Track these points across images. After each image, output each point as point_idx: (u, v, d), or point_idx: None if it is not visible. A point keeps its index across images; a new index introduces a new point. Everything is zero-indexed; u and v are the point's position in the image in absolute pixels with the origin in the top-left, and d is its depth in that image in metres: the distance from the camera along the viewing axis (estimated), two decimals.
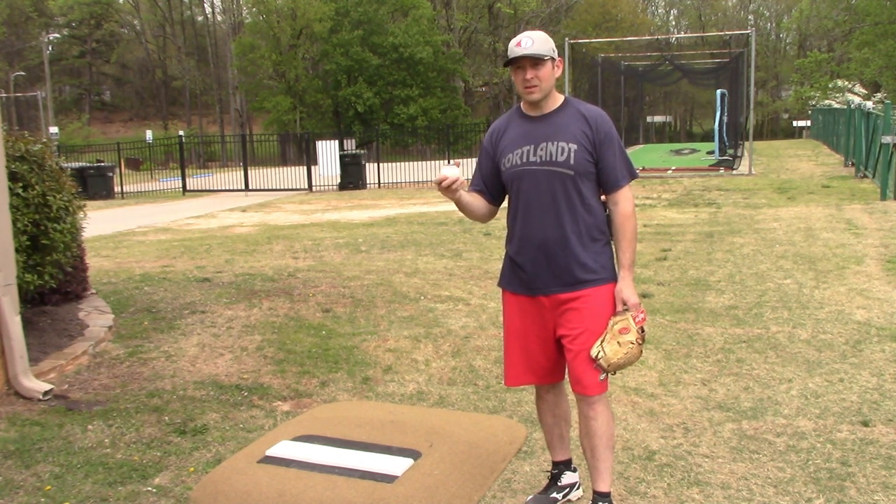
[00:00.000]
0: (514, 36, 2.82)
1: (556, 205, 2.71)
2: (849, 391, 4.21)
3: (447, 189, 2.63)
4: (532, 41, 2.67)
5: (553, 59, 2.71)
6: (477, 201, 2.85)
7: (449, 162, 2.75)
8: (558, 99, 2.79)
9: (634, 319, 2.71)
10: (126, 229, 12.59)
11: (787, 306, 5.96)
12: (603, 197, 2.81)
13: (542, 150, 2.72)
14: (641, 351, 2.72)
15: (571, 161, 2.69)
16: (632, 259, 2.77)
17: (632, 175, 2.78)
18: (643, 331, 2.73)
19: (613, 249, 2.83)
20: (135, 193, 21.80)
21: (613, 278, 2.79)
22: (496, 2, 50.04)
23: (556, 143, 2.70)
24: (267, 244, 10.09)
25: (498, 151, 2.82)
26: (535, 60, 2.66)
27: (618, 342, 2.67)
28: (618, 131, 2.81)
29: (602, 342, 2.68)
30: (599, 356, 2.67)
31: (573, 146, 2.69)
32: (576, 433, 3.03)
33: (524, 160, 2.74)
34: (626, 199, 2.76)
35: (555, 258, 2.73)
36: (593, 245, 2.75)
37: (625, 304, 2.74)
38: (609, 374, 2.74)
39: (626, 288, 2.75)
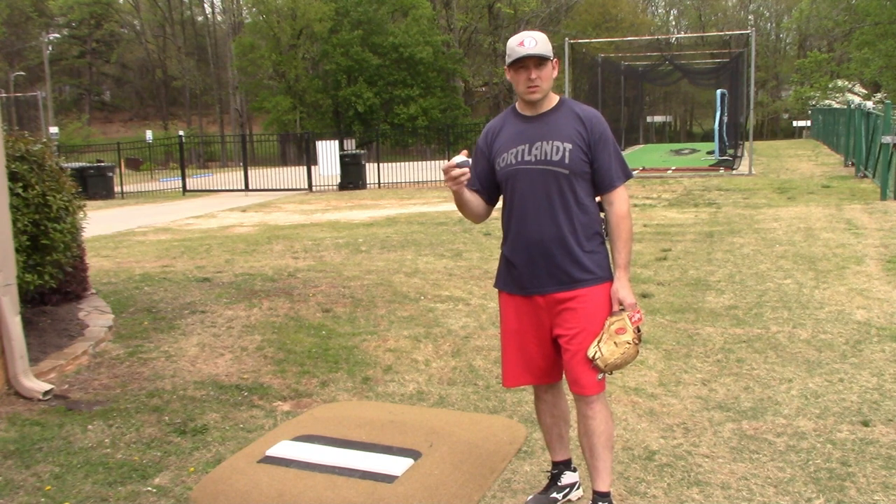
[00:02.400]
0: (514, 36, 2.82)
1: (551, 204, 2.72)
2: (849, 391, 4.21)
3: (454, 179, 2.65)
4: (535, 41, 2.67)
5: (552, 59, 2.73)
6: (476, 199, 2.86)
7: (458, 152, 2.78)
8: (553, 99, 2.80)
9: (631, 319, 2.71)
10: (126, 229, 12.59)
11: (787, 306, 5.96)
12: (598, 198, 2.82)
13: (536, 149, 2.73)
14: (638, 351, 2.72)
15: (566, 160, 2.70)
16: (627, 259, 2.77)
17: (627, 175, 2.80)
18: (639, 330, 2.73)
19: (609, 249, 2.83)
20: (135, 193, 21.80)
21: (609, 278, 2.79)
22: (496, 2, 50.03)
23: (550, 142, 2.71)
24: (267, 244, 10.09)
25: (493, 151, 2.83)
26: (540, 60, 2.68)
27: (615, 342, 2.67)
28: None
29: (599, 342, 2.69)
30: (596, 357, 2.67)
31: (568, 146, 2.70)
32: (575, 433, 3.03)
33: (519, 159, 2.75)
34: (621, 199, 2.76)
35: (550, 258, 2.73)
36: (588, 244, 2.76)
37: (621, 303, 2.74)
38: (607, 374, 2.74)
39: (622, 288, 2.75)
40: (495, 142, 2.84)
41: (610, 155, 2.75)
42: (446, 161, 2.73)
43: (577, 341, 2.71)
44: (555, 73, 2.76)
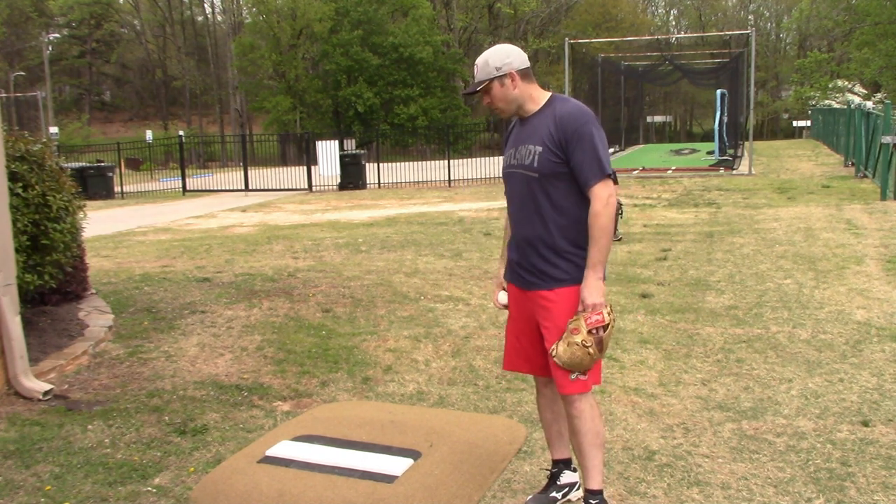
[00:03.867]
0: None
1: (527, 206, 2.80)
2: (849, 391, 4.21)
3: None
4: (477, 69, 2.80)
5: (499, 77, 2.75)
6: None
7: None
8: (541, 100, 2.81)
9: (586, 321, 2.64)
10: (126, 229, 12.59)
11: (787, 306, 5.96)
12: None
13: (518, 153, 2.82)
14: (590, 354, 2.63)
15: (535, 164, 2.74)
16: (597, 259, 2.69)
17: (603, 172, 2.68)
18: (600, 331, 2.64)
19: None
20: (135, 193, 21.80)
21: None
22: (496, 2, 50.02)
23: (526, 146, 2.78)
24: (267, 244, 10.09)
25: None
26: (481, 89, 2.78)
27: (567, 342, 2.67)
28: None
29: (558, 341, 2.70)
30: (553, 354, 2.68)
31: (539, 148, 2.74)
32: None
33: (508, 163, 2.89)
34: (596, 198, 2.68)
35: (529, 257, 2.81)
36: (568, 247, 2.75)
37: (583, 303, 2.72)
38: (580, 375, 2.69)
39: (585, 288, 2.69)
40: (505, 145, 2.98)
41: (584, 153, 2.67)
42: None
43: (550, 339, 2.76)
44: (513, 86, 2.76)
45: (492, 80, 2.76)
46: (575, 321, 2.68)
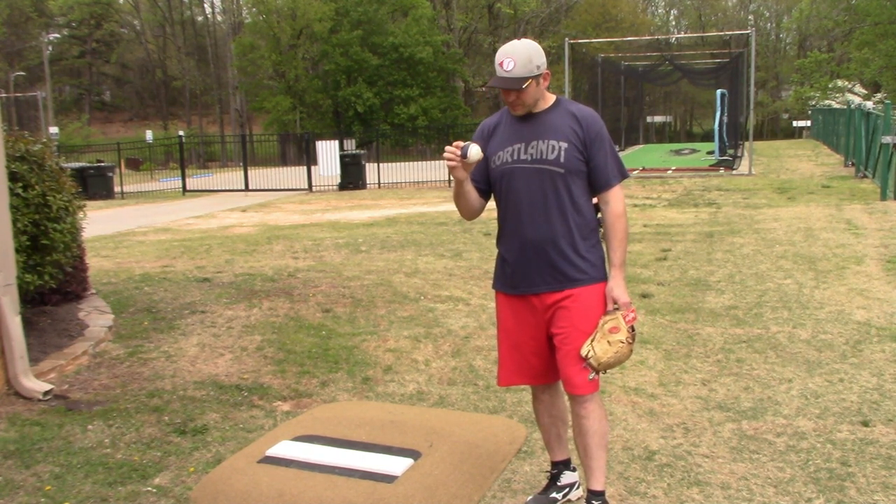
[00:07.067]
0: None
1: (546, 203, 2.72)
2: (849, 391, 4.21)
3: (465, 165, 2.64)
4: (514, 63, 2.63)
5: (538, 76, 2.68)
6: (474, 193, 2.82)
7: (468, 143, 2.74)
8: (549, 99, 2.79)
9: (625, 318, 2.71)
10: (126, 229, 12.59)
11: (787, 306, 5.96)
12: (595, 200, 2.82)
13: (532, 148, 2.72)
14: (632, 350, 2.72)
15: (562, 159, 2.70)
16: (622, 258, 2.77)
17: (623, 175, 2.79)
18: (633, 329, 2.73)
19: (605, 249, 2.83)
20: (135, 193, 21.79)
21: (604, 278, 2.79)
22: (496, 2, 50.06)
23: (546, 141, 2.71)
24: (267, 244, 10.09)
25: (488, 148, 2.81)
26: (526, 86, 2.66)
27: (608, 341, 2.67)
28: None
29: (592, 341, 2.69)
30: (589, 355, 2.67)
31: (564, 144, 2.70)
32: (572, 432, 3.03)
33: (515, 158, 2.75)
34: (616, 199, 2.76)
35: (544, 257, 2.74)
36: (583, 244, 2.75)
37: (615, 303, 2.75)
38: (600, 374, 2.74)
39: (616, 287, 2.75)
40: (491, 139, 2.83)
41: (606, 154, 2.74)
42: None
43: (570, 340, 2.72)
44: (545, 84, 2.74)
45: (534, 77, 2.68)
46: (612, 320, 2.71)
